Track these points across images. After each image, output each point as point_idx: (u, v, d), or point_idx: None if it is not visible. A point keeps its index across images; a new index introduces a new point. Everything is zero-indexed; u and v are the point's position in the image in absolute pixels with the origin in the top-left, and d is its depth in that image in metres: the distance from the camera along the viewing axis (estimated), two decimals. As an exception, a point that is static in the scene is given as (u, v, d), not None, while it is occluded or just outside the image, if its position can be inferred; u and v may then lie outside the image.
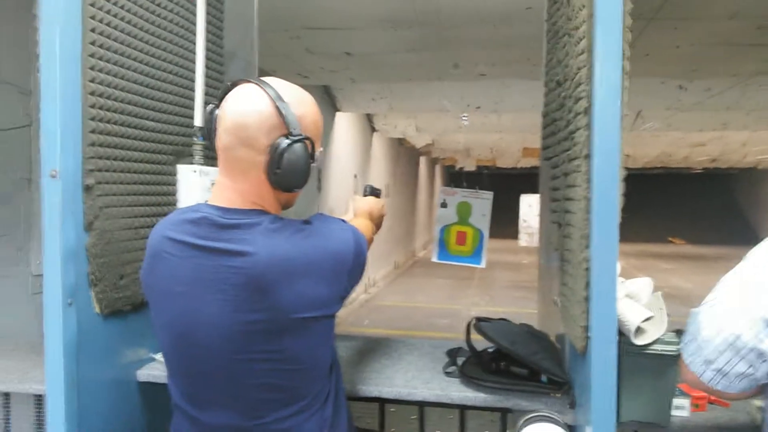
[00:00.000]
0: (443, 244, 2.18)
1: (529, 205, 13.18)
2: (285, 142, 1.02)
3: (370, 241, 1.36)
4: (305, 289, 1.00)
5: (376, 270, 9.90)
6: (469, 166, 16.26)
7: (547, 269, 1.86)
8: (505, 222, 12.96)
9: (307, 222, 1.07)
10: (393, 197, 11.42)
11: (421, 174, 15.90)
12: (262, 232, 1.01)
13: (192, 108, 1.75)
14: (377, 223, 1.51)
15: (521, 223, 13.74)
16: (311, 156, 1.06)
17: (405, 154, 13.08)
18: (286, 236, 1.02)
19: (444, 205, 2.17)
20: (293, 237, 1.02)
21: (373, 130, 9.72)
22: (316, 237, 1.04)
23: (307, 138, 1.05)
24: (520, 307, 7.43)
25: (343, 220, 1.15)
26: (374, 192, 1.59)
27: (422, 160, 15.62)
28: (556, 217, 1.59)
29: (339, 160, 7.62)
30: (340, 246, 1.06)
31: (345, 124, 7.95)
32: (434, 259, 2.21)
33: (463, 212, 2.19)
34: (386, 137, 10.80)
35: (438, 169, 19.29)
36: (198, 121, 1.72)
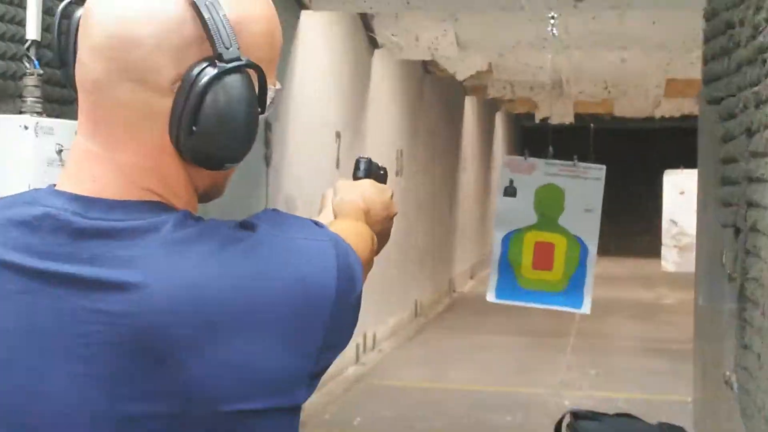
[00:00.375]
0: (508, 268, 2.18)
1: (681, 192, 12.94)
2: (209, 72, 1.03)
3: (368, 262, 1.37)
4: (242, 355, 1.01)
5: (377, 320, 9.87)
6: (562, 117, 16.27)
7: (713, 317, 1.87)
8: (631, 223, 12.96)
9: (246, 226, 1.08)
10: (411, 177, 11.42)
11: (467, 131, 15.91)
12: (162, 244, 1.02)
13: (23, 8, 1.76)
14: (380, 229, 1.54)
15: (665, 227, 13.59)
16: (259, 100, 1.08)
17: (435, 91, 13.07)
18: (206, 253, 1.03)
19: (510, 191, 2.17)
20: (221, 255, 1.04)
21: (374, 45, 9.72)
22: (265, 255, 1.06)
23: (252, 65, 1.06)
24: (657, 392, 7.43)
25: (316, 223, 1.16)
26: (373, 171, 1.60)
27: (468, 103, 15.65)
28: (730, 216, 1.60)
29: (307, 105, 7.62)
30: (312, 272, 1.08)
31: (319, 36, 7.93)
32: (491, 298, 2.22)
33: (549, 205, 2.15)
34: (397, 59, 10.79)
35: (499, 120, 19.32)
36: (32, 32, 1.74)
